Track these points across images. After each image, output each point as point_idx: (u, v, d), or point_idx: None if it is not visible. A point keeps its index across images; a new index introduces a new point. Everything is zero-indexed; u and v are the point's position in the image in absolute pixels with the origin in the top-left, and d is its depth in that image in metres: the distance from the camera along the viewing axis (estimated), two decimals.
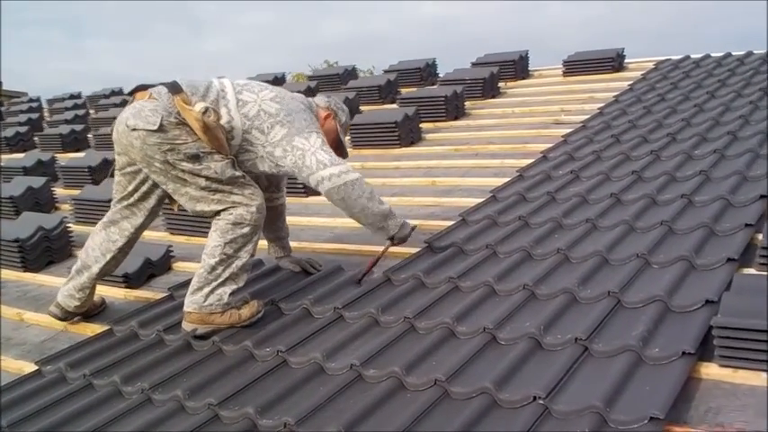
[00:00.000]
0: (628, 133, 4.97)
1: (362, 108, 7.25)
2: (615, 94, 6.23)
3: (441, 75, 8.18)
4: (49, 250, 4.47)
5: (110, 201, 3.30)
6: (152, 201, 3.20)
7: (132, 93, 3.16)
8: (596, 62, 7.30)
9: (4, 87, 16.09)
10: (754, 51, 6.80)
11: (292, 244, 3.68)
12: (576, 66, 7.38)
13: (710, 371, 2.17)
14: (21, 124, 9.24)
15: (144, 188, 3.16)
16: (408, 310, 2.80)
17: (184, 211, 3.20)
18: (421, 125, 6.24)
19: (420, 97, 6.77)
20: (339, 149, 3.34)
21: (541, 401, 2.06)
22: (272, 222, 3.40)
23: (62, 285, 3.41)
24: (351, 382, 2.39)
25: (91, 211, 5.01)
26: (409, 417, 2.10)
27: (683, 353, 2.16)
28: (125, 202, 3.21)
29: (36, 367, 3.00)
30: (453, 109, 6.55)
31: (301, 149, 3.02)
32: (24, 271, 4.34)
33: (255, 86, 3.17)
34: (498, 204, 4.00)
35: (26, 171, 6.64)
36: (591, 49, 7.59)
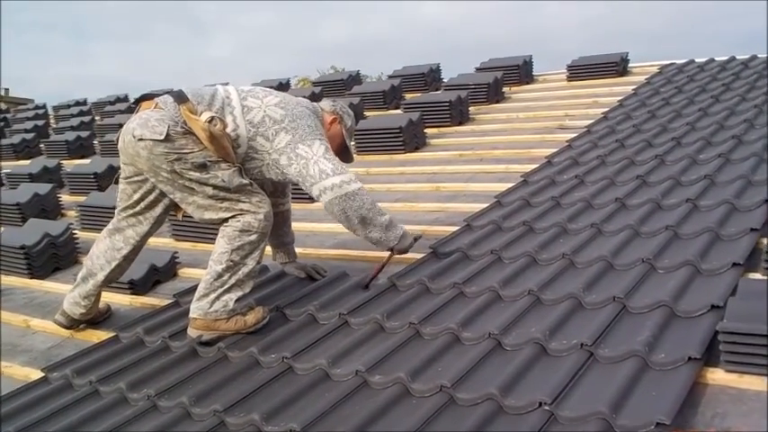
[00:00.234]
0: (632, 138, 4.97)
1: (367, 113, 7.27)
2: (619, 98, 6.23)
3: (445, 80, 8.19)
4: (56, 257, 4.48)
5: (115, 208, 3.31)
6: (158, 209, 3.21)
7: (137, 102, 3.17)
8: (600, 66, 7.30)
9: (11, 94, 16.15)
10: (759, 55, 6.80)
11: (297, 250, 3.69)
12: (580, 70, 7.39)
13: (716, 376, 2.17)
14: (27, 131, 9.26)
15: (151, 197, 3.16)
16: (413, 315, 2.80)
17: (189, 218, 3.20)
18: (425, 130, 6.25)
19: (424, 102, 6.77)
20: (344, 154, 3.35)
21: (547, 407, 2.06)
22: (277, 228, 3.40)
23: (67, 293, 3.42)
24: (356, 389, 2.39)
25: (97, 218, 5.02)
26: (415, 423, 2.10)
27: (689, 358, 2.16)
28: (130, 211, 3.21)
29: (42, 374, 3.01)
30: (458, 114, 6.55)
31: (305, 158, 3.02)
32: (31, 278, 4.35)
33: (260, 92, 3.17)
34: (503, 209, 4.00)
35: (32, 178, 6.67)
36: (591, 51, 7.62)
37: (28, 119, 10.52)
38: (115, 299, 3.74)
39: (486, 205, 4.16)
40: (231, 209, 3.01)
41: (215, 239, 3.07)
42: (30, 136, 8.90)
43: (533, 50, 8.25)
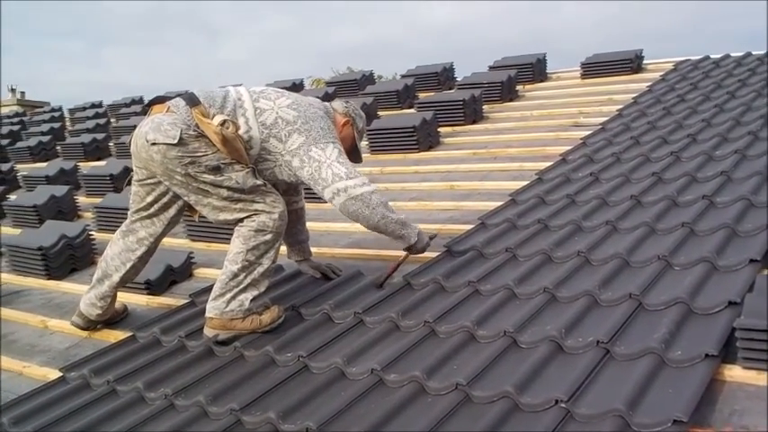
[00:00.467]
0: (647, 135, 4.94)
1: (380, 113, 7.27)
2: (634, 95, 6.19)
3: (458, 79, 8.17)
4: (73, 258, 4.52)
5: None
6: (172, 211, 3.22)
7: (149, 105, 3.17)
8: (615, 64, 7.25)
9: (27, 97, 16.31)
10: None
11: (312, 249, 3.69)
12: (595, 67, 7.34)
13: (734, 373, 2.15)
14: (43, 134, 9.34)
15: (165, 199, 3.17)
16: (428, 314, 2.80)
17: (204, 218, 3.21)
18: (439, 129, 6.24)
19: (438, 101, 6.76)
20: (354, 154, 3.35)
21: (563, 405, 2.05)
22: (291, 226, 3.38)
23: (83, 294, 3.44)
24: (372, 387, 2.40)
25: (113, 219, 5.04)
26: (430, 421, 2.10)
27: (706, 355, 2.15)
28: (143, 213, 3.22)
29: (60, 374, 3.04)
30: (471, 113, 6.54)
31: (318, 161, 3.02)
32: (48, 278, 4.39)
33: (272, 93, 3.16)
34: (517, 207, 3.99)
35: (49, 180, 6.72)
36: (605, 50, 7.56)
37: (44, 121, 10.61)
38: (132, 299, 3.76)
39: (500, 203, 4.15)
40: (246, 209, 3.02)
41: (230, 239, 3.08)
42: (46, 138, 8.98)
43: (547, 50, 8.20)
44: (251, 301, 3.00)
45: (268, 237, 3.02)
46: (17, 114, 12.67)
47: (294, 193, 3.48)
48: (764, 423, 1.93)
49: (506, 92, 7.10)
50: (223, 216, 3.05)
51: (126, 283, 3.40)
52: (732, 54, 7.01)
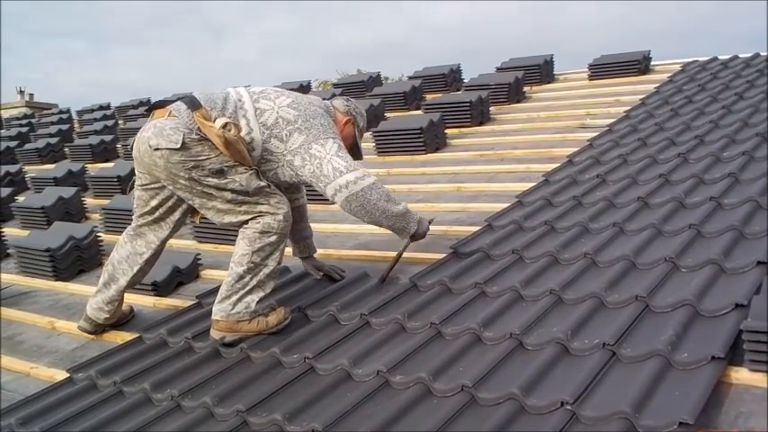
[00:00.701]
0: (655, 136, 4.93)
1: (387, 114, 7.28)
2: (641, 96, 6.17)
3: (465, 80, 8.17)
4: (80, 259, 4.54)
5: None
6: (177, 214, 3.23)
7: (150, 110, 3.18)
8: (622, 65, 7.24)
9: (36, 99, 16.37)
10: None
11: (318, 251, 3.70)
12: (602, 69, 7.33)
13: (741, 375, 2.14)
14: (51, 135, 9.40)
15: (169, 203, 3.18)
16: (434, 315, 2.80)
17: (207, 220, 3.22)
18: (446, 131, 6.24)
19: (445, 103, 6.76)
20: (354, 152, 3.34)
21: (569, 407, 2.05)
22: (295, 224, 3.36)
23: (90, 298, 3.45)
24: (378, 389, 2.40)
25: (120, 221, 5.07)
26: (436, 423, 2.10)
27: (713, 357, 2.14)
28: (149, 217, 3.23)
29: (67, 375, 3.05)
30: (478, 114, 6.54)
31: (318, 158, 3.02)
32: (56, 280, 4.41)
33: (272, 93, 3.16)
34: (524, 209, 3.99)
35: (57, 181, 6.76)
36: (613, 51, 7.54)
37: (52, 123, 10.68)
38: (139, 300, 3.78)
39: (507, 205, 4.14)
40: (250, 211, 3.03)
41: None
42: (54, 140, 9.03)
43: (554, 51, 8.20)
44: (257, 302, 3.00)
45: (273, 238, 3.02)
46: (26, 116, 12.73)
47: (295, 190, 3.47)
48: None
49: (513, 93, 7.09)
50: (228, 219, 3.06)
51: (133, 285, 3.41)
52: (740, 55, 6.98)
